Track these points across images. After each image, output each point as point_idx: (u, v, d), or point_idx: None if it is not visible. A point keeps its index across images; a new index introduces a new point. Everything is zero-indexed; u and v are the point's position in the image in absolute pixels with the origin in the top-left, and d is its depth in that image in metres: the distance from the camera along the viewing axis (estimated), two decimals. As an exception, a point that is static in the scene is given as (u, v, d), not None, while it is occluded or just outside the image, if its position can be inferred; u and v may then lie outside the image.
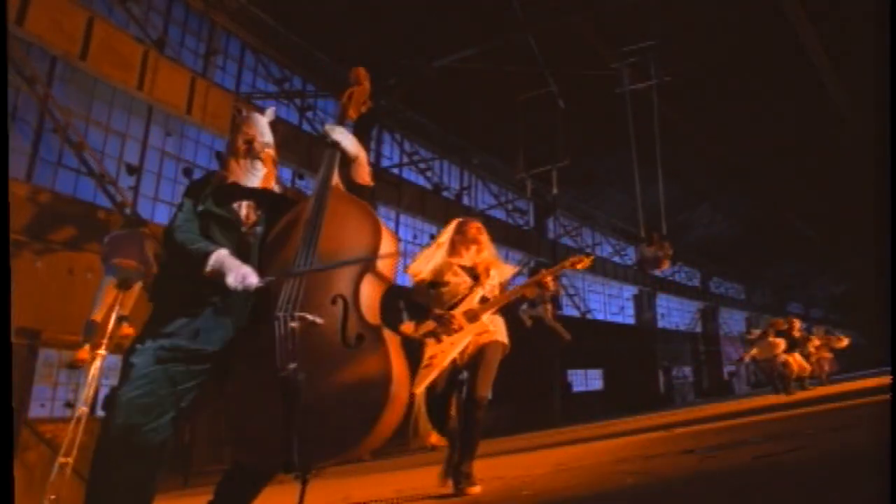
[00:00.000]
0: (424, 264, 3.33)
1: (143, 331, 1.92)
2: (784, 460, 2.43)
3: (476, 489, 2.99)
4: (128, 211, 8.58)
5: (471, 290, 3.24)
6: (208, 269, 1.88)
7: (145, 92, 9.28)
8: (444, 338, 3.12)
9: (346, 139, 2.13)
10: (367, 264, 1.88)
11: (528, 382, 16.57)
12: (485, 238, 3.40)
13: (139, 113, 9.68)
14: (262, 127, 2.21)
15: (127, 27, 9.45)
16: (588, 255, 3.34)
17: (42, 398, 7.82)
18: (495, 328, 3.26)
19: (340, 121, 2.24)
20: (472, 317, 3.17)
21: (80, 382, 8.27)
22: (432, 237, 15.70)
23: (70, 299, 7.73)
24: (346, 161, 2.15)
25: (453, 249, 3.35)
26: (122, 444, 1.73)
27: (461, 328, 3.13)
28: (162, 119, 10.02)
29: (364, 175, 2.17)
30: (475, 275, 3.30)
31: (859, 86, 11.80)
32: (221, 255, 1.90)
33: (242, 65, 11.72)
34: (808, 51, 11.56)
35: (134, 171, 9.48)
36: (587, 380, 20.44)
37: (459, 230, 3.39)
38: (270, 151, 2.21)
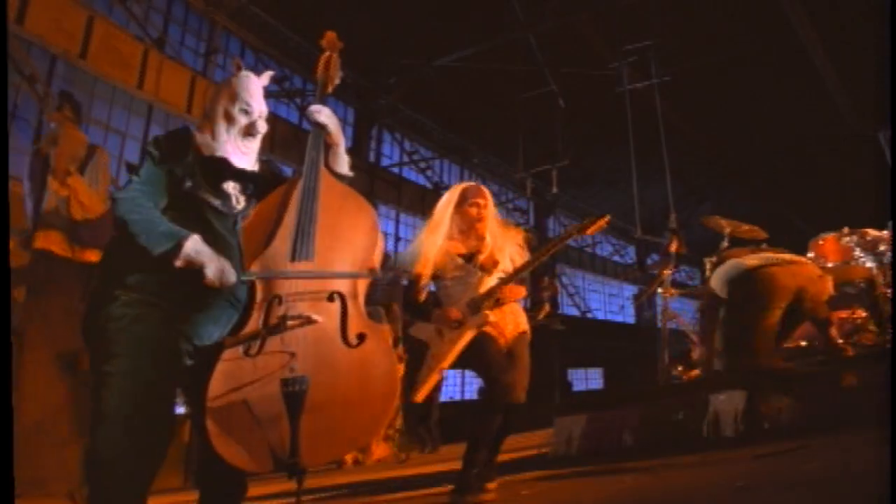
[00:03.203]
0: (424, 259, 2.82)
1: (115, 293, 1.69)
2: (784, 460, 2.43)
3: (493, 485, 2.78)
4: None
5: (479, 280, 2.75)
6: (181, 258, 1.63)
7: (145, 91, 9.29)
8: (445, 335, 2.67)
9: (331, 121, 1.96)
10: (366, 260, 1.81)
11: (528, 382, 16.56)
12: (489, 212, 2.86)
13: (139, 112, 9.68)
14: (260, 95, 1.98)
15: (127, 26, 9.45)
16: (601, 215, 2.75)
17: (42, 397, 7.82)
18: (518, 317, 2.86)
19: (322, 93, 2.07)
20: (475, 308, 2.67)
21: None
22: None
23: (70, 298, 7.72)
24: (327, 147, 1.97)
25: (453, 232, 2.85)
26: (119, 431, 1.61)
27: (460, 322, 2.64)
28: (162, 118, 10.02)
29: (343, 164, 2.02)
30: (480, 265, 2.79)
31: (859, 86, 11.80)
32: (197, 243, 1.66)
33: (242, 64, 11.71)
34: (808, 51, 11.55)
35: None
36: (587, 380, 20.44)
37: (459, 208, 2.86)
38: (266, 125, 1.97)
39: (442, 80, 12.96)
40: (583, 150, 13.77)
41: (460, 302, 2.72)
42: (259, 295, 1.75)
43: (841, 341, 4.07)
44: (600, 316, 22.25)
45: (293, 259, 1.74)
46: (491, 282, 2.74)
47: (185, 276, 1.69)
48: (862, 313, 4.31)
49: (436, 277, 2.83)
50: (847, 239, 4.42)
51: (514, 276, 2.73)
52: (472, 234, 2.85)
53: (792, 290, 3.30)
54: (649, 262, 21.01)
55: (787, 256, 3.48)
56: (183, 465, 8.21)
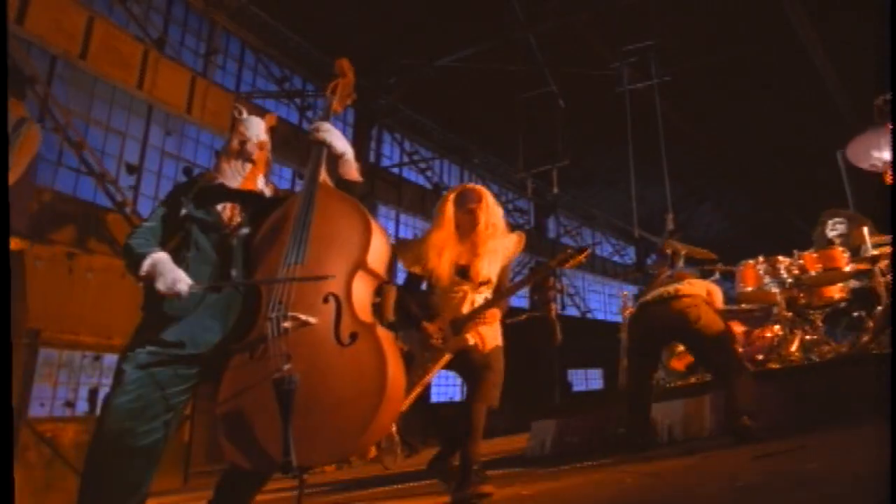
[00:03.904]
0: (434, 275, 2.80)
1: (134, 337, 1.92)
2: (784, 460, 2.43)
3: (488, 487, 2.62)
4: (128, 210, 8.58)
5: (464, 295, 2.80)
6: (142, 272, 1.86)
7: (145, 91, 9.28)
8: (427, 351, 2.75)
9: (333, 136, 2.12)
10: (359, 261, 1.86)
11: (529, 382, 16.57)
12: (484, 215, 2.84)
13: (139, 112, 9.68)
14: (257, 128, 2.22)
15: (127, 26, 9.45)
16: (581, 249, 2.97)
17: (42, 398, 7.82)
18: (496, 332, 2.88)
19: (326, 114, 2.23)
20: (457, 328, 2.72)
21: (80, 382, 8.28)
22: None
23: (70, 299, 7.73)
24: (334, 158, 2.14)
25: (456, 241, 2.81)
26: (114, 447, 1.75)
27: (441, 343, 2.71)
28: (162, 118, 10.02)
29: (352, 171, 2.15)
30: (470, 281, 2.80)
31: (859, 86, 11.80)
32: (156, 259, 1.88)
33: (242, 64, 11.72)
34: (809, 51, 11.55)
35: (134, 170, 9.48)
36: (587, 380, 20.43)
37: (455, 215, 2.83)
38: (264, 153, 2.22)
39: (442, 80, 12.95)
40: (583, 150, 13.76)
41: (444, 316, 2.77)
42: (262, 301, 1.84)
43: (761, 357, 4.63)
44: (600, 316, 22.24)
45: (284, 265, 1.84)
46: (477, 299, 2.81)
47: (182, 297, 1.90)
48: (779, 331, 4.77)
49: (430, 284, 2.87)
50: (758, 266, 4.82)
51: (496, 302, 2.81)
52: (469, 241, 2.85)
53: (658, 329, 3.59)
54: (648, 262, 21.02)
55: (677, 289, 3.52)
56: (183, 465, 8.23)
